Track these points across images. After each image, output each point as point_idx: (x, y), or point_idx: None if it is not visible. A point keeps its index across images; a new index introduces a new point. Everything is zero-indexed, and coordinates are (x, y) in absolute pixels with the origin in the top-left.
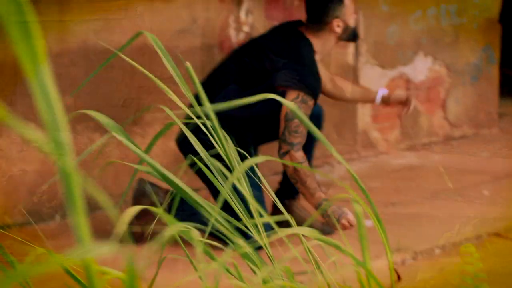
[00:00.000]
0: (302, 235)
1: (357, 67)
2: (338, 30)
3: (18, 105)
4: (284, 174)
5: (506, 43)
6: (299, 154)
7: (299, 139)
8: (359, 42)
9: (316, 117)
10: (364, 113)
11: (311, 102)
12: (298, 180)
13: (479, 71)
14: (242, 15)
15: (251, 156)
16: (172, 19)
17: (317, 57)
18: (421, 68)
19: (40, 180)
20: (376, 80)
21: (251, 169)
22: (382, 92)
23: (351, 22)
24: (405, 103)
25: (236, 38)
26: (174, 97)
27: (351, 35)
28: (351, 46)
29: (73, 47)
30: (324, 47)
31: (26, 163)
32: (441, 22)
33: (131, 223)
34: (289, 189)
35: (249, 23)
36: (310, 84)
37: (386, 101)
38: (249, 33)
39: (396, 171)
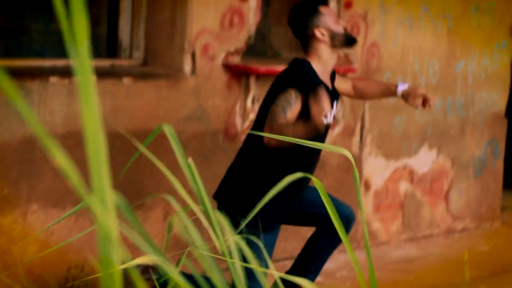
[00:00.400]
0: None
1: (361, 157)
2: (324, 38)
3: None
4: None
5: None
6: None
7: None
8: (364, 132)
9: (347, 220)
10: (366, 203)
11: (294, 94)
12: (286, 131)
13: (484, 165)
14: (249, 102)
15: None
16: (179, 105)
17: (323, 73)
18: (425, 160)
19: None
20: (380, 171)
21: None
22: (402, 86)
23: (336, 28)
24: (425, 99)
25: (242, 125)
26: (178, 186)
27: (344, 40)
28: (356, 136)
29: (79, 129)
30: (323, 60)
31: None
32: (447, 115)
33: None
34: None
35: (255, 111)
36: (297, 80)
37: (406, 95)
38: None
39: (395, 262)
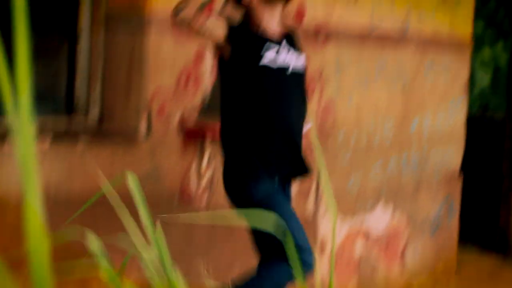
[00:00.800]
0: None
1: (316, 217)
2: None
3: None
4: None
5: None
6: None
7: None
8: (319, 192)
9: (308, 266)
10: (322, 264)
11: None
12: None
13: (439, 222)
14: (204, 162)
15: None
16: (134, 165)
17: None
18: (381, 218)
19: None
20: (324, 227)
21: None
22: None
23: None
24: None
25: (197, 185)
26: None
27: None
28: (311, 196)
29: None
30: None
31: None
32: (402, 173)
33: None
34: None
35: (211, 170)
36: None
37: None
38: (210, 180)
39: None
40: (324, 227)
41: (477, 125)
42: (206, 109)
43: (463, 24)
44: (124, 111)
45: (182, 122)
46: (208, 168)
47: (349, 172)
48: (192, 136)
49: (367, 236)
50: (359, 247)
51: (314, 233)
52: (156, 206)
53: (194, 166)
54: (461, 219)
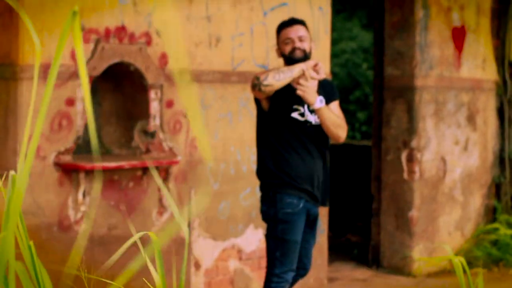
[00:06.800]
0: None
1: (190, 240)
2: (279, 57)
3: None
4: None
5: (333, 212)
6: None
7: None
8: (192, 218)
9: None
10: (197, 281)
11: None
12: (269, 82)
13: None
14: (80, 196)
15: None
16: None
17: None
18: (252, 240)
19: None
20: (209, 251)
21: None
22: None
23: (282, 49)
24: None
25: (75, 217)
26: None
27: (287, 60)
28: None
29: None
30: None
31: None
32: None
33: None
34: None
35: (86, 203)
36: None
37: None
38: (87, 212)
39: None
40: (198, 248)
41: (347, 151)
42: (79, 148)
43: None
44: (2, 154)
45: (57, 160)
46: (84, 200)
47: (219, 199)
48: (67, 173)
49: (239, 255)
50: (232, 265)
51: (188, 253)
52: (36, 236)
53: (70, 199)
54: (336, 237)
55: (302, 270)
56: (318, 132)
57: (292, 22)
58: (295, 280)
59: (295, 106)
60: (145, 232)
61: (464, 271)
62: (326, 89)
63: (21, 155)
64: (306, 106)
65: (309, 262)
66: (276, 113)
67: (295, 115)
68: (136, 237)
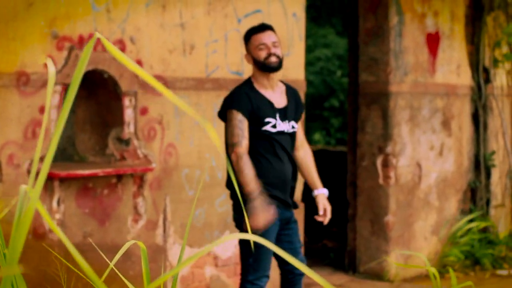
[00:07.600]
0: None
1: (165, 247)
2: (250, 63)
3: None
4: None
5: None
6: (239, 150)
7: (237, 138)
8: (167, 224)
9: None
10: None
11: (236, 115)
12: (237, 169)
13: None
14: (54, 204)
15: None
16: None
17: (267, 89)
18: (228, 246)
19: None
20: (184, 258)
21: None
22: (319, 191)
23: (256, 55)
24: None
25: (49, 225)
26: None
27: (263, 67)
28: (160, 229)
29: None
30: (258, 79)
31: None
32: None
33: None
34: None
35: (61, 211)
36: (233, 101)
37: (316, 198)
38: (61, 219)
39: None
40: (174, 255)
41: (323, 157)
42: (53, 156)
43: (296, 69)
44: None
45: (31, 168)
46: (58, 208)
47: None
48: None
49: (216, 262)
50: (208, 272)
51: (164, 259)
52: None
53: (45, 207)
54: (312, 243)
55: (295, 270)
56: (290, 139)
57: (264, 27)
58: (297, 280)
59: (266, 120)
60: (135, 241)
61: (436, 278)
62: (296, 99)
63: None
64: (278, 116)
65: (299, 263)
66: (248, 129)
67: (267, 127)
68: (127, 245)
